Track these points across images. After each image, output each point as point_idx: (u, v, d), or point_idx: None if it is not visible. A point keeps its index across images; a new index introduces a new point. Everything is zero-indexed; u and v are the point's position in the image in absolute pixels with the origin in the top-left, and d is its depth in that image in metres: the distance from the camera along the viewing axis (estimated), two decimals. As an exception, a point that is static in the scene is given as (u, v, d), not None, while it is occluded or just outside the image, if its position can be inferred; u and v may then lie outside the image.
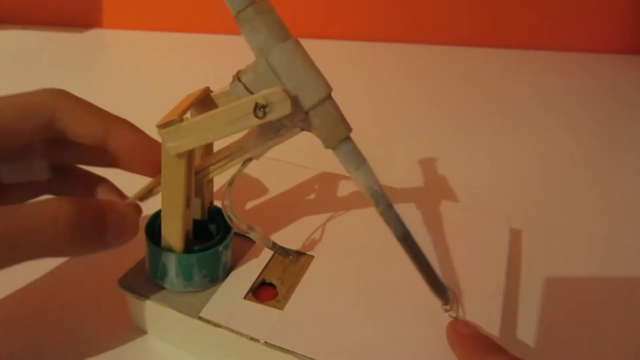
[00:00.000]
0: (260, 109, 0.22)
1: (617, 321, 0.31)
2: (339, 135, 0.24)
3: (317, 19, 0.81)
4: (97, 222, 0.23)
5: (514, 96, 0.64)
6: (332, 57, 0.76)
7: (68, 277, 0.32)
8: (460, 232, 0.33)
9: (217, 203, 0.30)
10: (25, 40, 0.78)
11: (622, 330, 0.31)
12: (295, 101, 0.23)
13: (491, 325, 0.26)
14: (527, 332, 0.30)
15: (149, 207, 0.28)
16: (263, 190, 0.36)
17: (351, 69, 0.72)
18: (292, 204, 0.35)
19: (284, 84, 0.23)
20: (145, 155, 0.27)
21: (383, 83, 0.68)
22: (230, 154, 0.26)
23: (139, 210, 0.27)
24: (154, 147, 0.26)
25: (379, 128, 0.55)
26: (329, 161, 0.28)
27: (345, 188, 0.37)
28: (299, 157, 0.39)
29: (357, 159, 0.25)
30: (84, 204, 0.23)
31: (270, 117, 0.22)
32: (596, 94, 0.66)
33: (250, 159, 0.26)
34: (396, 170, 0.46)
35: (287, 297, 0.28)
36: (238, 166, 0.27)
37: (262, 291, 0.29)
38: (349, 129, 0.24)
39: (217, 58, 0.74)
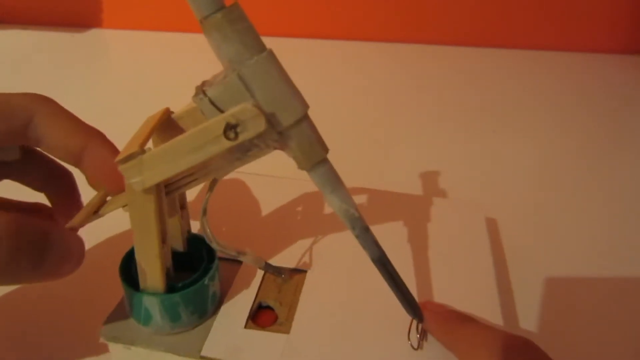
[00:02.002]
0: (231, 129, 0.20)
1: (613, 305, 0.32)
2: (314, 158, 0.22)
3: (317, 19, 0.81)
4: (38, 244, 0.20)
5: (514, 96, 0.64)
6: (332, 57, 0.76)
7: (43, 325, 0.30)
8: (437, 225, 0.33)
9: (195, 229, 0.28)
10: (25, 40, 0.78)
11: (618, 311, 0.31)
12: (269, 119, 0.20)
13: (493, 314, 0.26)
14: (527, 318, 0.31)
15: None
16: (244, 206, 0.35)
17: (351, 69, 0.72)
18: (276, 219, 0.34)
19: (256, 101, 0.20)
20: (117, 179, 0.24)
21: (383, 83, 0.68)
22: (192, 174, 0.23)
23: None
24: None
25: (378, 128, 0.55)
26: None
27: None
28: (271, 168, 0.37)
29: (333, 182, 0.23)
30: (24, 221, 0.20)
31: (243, 137, 0.20)
32: (596, 94, 0.66)
33: (216, 180, 0.24)
34: (394, 170, 0.46)
35: (289, 319, 0.26)
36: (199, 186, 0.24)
37: (261, 316, 0.27)
38: (326, 150, 0.22)
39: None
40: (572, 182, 0.46)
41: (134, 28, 0.83)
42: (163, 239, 0.23)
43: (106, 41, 0.81)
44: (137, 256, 0.23)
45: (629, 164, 0.49)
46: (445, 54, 0.77)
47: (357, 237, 0.24)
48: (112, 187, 0.25)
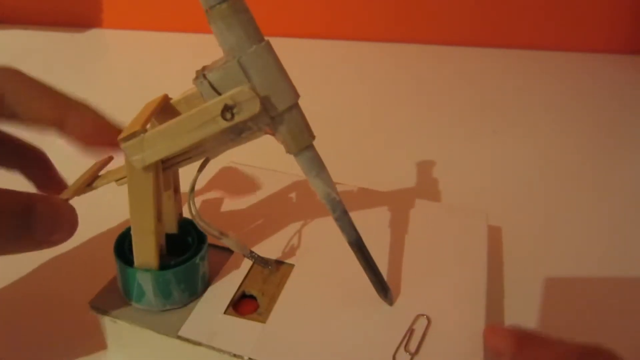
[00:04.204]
0: (228, 110, 0.22)
1: (612, 322, 0.31)
2: (302, 143, 0.24)
3: (317, 19, 0.81)
4: (24, 212, 0.20)
5: (514, 96, 0.64)
6: (332, 57, 0.76)
7: (37, 296, 0.30)
8: (438, 230, 0.33)
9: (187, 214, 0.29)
10: (25, 40, 0.78)
11: (616, 330, 0.31)
12: (263, 104, 0.22)
13: (475, 319, 0.26)
14: (528, 326, 0.30)
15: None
16: (236, 198, 0.35)
17: (351, 69, 0.72)
18: (268, 212, 0.34)
19: (253, 85, 0.22)
20: (104, 137, 0.25)
21: (383, 83, 0.68)
22: (186, 153, 0.25)
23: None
24: (115, 131, 0.25)
25: (378, 128, 0.55)
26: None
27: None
28: (267, 160, 0.38)
29: (318, 166, 0.25)
30: (5, 191, 0.20)
31: (239, 118, 0.22)
32: (596, 94, 0.66)
33: (208, 160, 0.25)
34: (394, 169, 0.46)
35: (268, 310, 0.27)
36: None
37: (242, 304, 0.28)
38: (313, 137, 0.24)
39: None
40: (572, 182, 0.46)
41: (134, 28, 0.83)
42: (158, 216, 0.25)
43: (106, 41, 0.81)
44: (133, 232, 0.24)
45: (630, 164, 0.49)
46: (445, 54, 0.77)
47: (336, 220, 0.25)
48: (102, 143, 0.25)
